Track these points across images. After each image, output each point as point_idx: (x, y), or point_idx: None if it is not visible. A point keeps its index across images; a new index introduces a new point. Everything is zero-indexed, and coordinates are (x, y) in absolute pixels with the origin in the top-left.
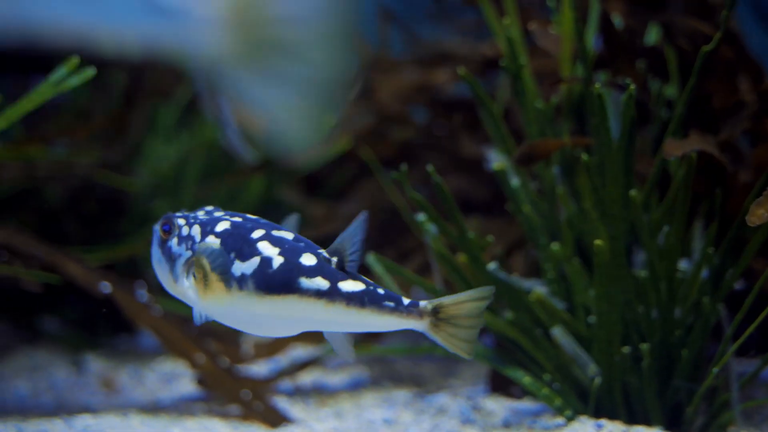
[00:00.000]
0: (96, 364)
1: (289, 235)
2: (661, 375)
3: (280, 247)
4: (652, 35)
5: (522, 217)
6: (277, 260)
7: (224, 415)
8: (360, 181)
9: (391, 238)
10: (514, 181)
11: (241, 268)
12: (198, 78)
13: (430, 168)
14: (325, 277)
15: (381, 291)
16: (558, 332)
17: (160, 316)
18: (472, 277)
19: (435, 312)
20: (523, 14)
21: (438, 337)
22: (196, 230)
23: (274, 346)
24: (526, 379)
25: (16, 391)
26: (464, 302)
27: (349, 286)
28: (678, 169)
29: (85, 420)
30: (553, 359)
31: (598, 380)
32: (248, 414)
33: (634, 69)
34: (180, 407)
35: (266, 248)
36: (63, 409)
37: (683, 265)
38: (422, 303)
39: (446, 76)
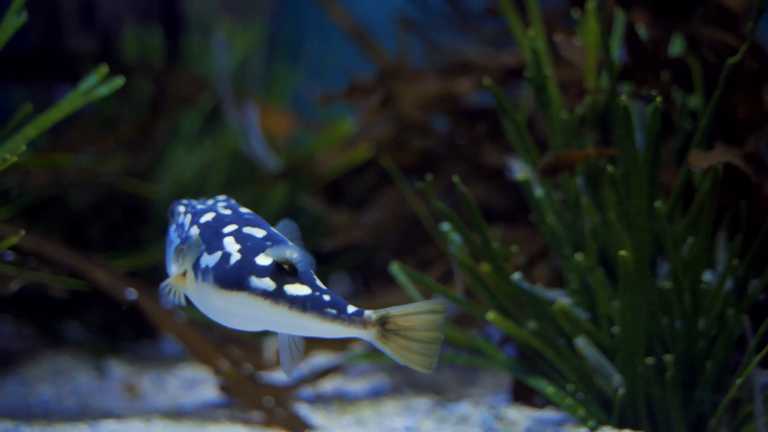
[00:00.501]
0: (119, 369)
1: (259, 233)
2: (684, 386)
3: (241, 244)
4: (676, 46)
5: (546, 227)
6: (235, 257)
7: (246, 422)
8: (381, 189)
9: (412, 246)
10: (538, 192)
11: (206, 260)
12: (222, 86)
13: (455, 178)
14: (273, 278)
15: (327, 297)
16: (581, 342)
17: (184, 323)
18: (495, 286)
19: (382, 322)
20: (546, 23)
21: (387, 349)
22: (188, 219)
23: None
24: (550, 389)
25: (40, 396)
26: (414, 314)
27: (294, 289)
28: (703, 180)
29: (109, 425)
30: (576, 369)
31: (621, 391)
32: (270, 421)
33: (659, 80)
34: (202, 413)
35: (230, 244)
36: (87, 413)
37: (707, 276)
38: (367, 313)
39: (468, 85)
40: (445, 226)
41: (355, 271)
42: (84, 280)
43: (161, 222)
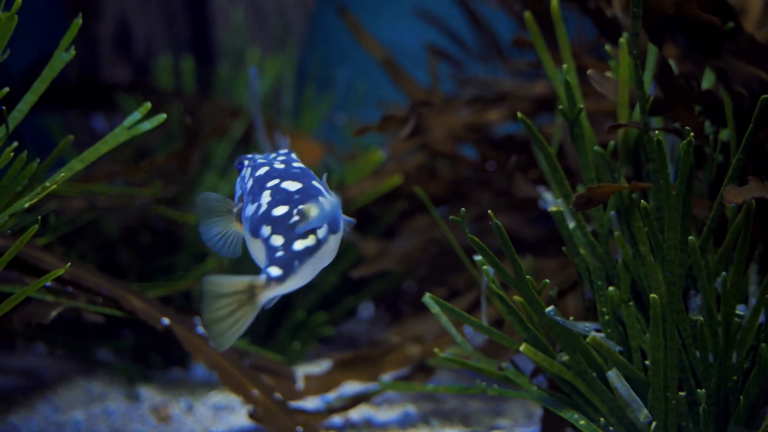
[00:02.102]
0: (149, 395)
1: (293, 186)
2: (717, 420)
3: (272, 197)
4: (708, 80)
5: (578, 259)
6: (262, 208)
7: None
8: (410, 217)
9: (441, 274)
10: (571, 224)
11: (248, 210)
12: (255, 115)
13: (489, 213)
14: (282, 230)
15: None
16: (614, 376)
17: (216, 351)
18: (527, 318)
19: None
20: (574, 53)
21: None
22: (247, 172)
23: (326, 382)
24: (582, 422)
25: (72, 420)
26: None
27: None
28: (735, 214)
29: None
30: (608, 402)
31: (653, 424)
32: None
33: (691, 114)
34: None
35: (264, 197)
36: None
37: (740, 309)
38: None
39: (498, 115)
40: (478, 257)
41: (381, 298)
42: (119, 306)
43: (193, 249)
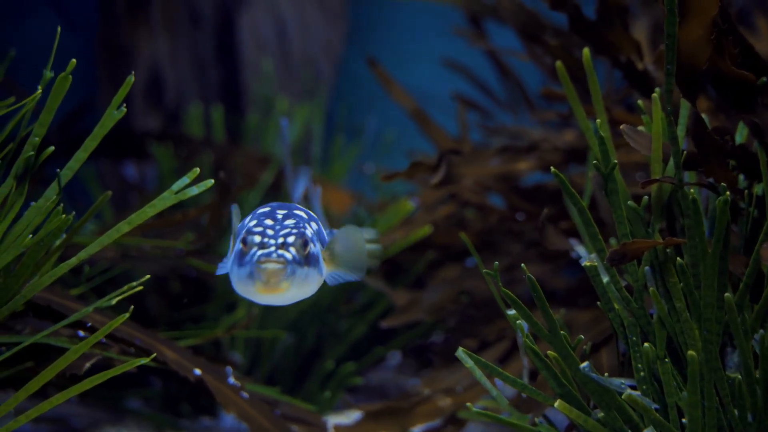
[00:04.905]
0: None
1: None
2: None
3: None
4: (741, 133)
5: (613, 315)
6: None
7: None
8: (440, 267)
9: (472, 325)
10: (605, 279)
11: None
12: (285, 162)
13: (523, 266)
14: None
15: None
16: None
17: (246, 401)
18: (561, 373)
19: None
20: (605, 104)
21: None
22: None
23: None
24: None
25: None
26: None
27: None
28: None
29: None
30: None
31: None
32: None
33: (725, 170)
34: None
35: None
36: None
37: None
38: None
39: (528, 165)
40: (511, 312)
41: (409, 348)
42: (152, 357)
43: (223, 299)
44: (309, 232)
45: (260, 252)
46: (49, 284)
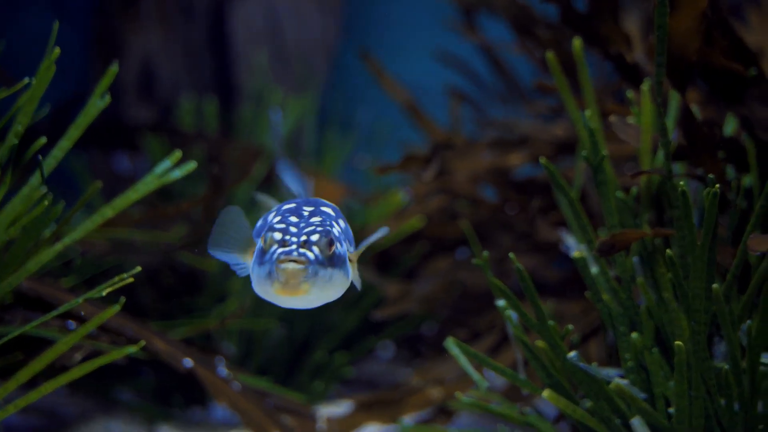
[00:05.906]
0: None
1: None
2: None
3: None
4: (730, 125)
5: (601, 305)
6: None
7: None
8: (431, 259)
9: (464, 316)
10: (594, 270)
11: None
12: (278, 156)
13: (511, 255)
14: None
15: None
16: (637, 423)
17: (238, 392)
18: (550, 363)
19: None
20: (596, 96)
21: None
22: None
23: (347, 424)
24: None
25: None
26: None
27: None
28: (759, 261)
29: None
30: None
31: None
32: None
33: (715, 161)
34: None
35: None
36: None
37: (765, 358)
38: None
39: (520, 158)
40: (500, 302)
41: (401, 339)
42: (143, 347)
43: (214, 291)
44: (336, 230)
45: (281, 250)
46: (38, 274)
